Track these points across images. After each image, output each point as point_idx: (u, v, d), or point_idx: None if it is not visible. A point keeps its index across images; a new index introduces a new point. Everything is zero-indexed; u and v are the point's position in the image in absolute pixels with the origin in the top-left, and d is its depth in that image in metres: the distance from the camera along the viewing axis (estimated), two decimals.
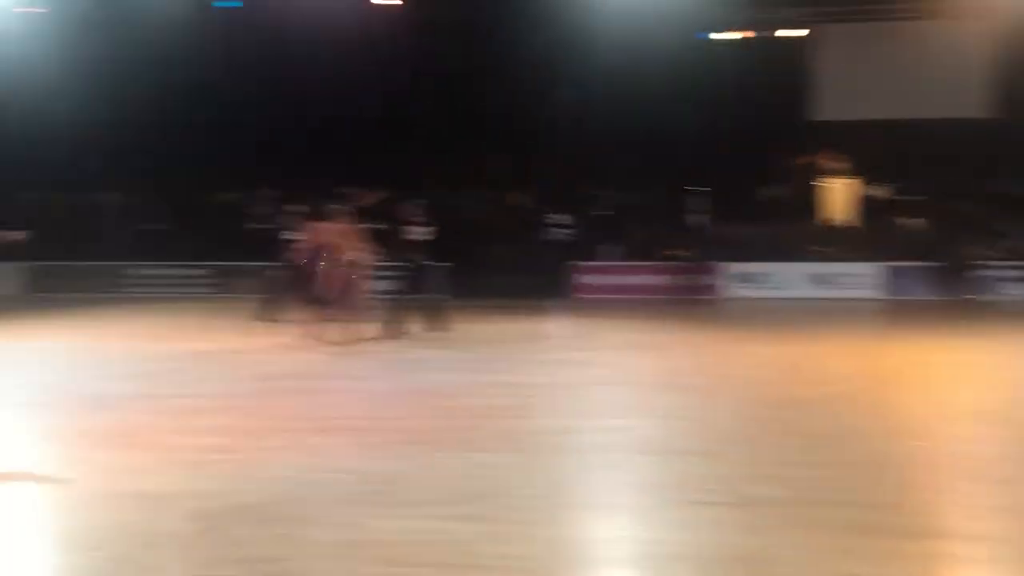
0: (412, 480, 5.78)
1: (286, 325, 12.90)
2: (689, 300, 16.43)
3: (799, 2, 19.83)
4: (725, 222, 18.46)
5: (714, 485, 5.67)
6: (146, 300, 17.32)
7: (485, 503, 5.33)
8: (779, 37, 20.60)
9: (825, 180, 19.75)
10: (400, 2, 19.54)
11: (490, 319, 14.22)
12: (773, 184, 20.68)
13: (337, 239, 11.40)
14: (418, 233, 12.05)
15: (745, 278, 17.28)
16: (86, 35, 18.40)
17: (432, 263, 12.32)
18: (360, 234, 12.11)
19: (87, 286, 18.24)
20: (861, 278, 17.06)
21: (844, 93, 19.71)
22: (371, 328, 12.29)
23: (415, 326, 12.23)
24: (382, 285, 12.94)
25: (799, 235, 18.65)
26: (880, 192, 19.89)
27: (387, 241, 12.46)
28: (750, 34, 20.77)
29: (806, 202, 20.17)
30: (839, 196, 19.52)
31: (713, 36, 20.86)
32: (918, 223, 18.43)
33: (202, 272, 18.41)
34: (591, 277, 17.69)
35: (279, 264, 13.41)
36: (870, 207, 19.42)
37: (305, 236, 13.27)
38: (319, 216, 11.62)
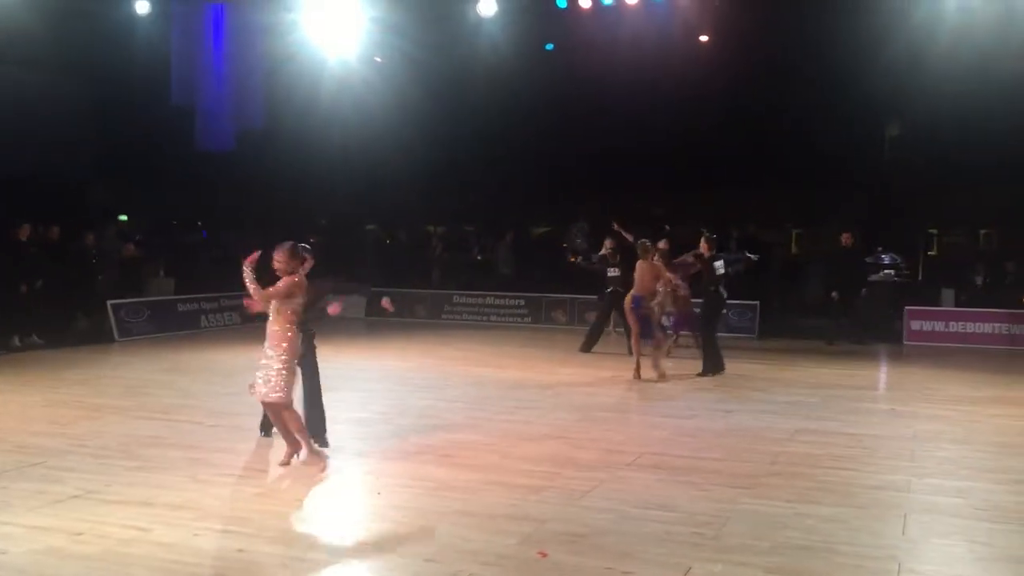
0: (734, 525, 5.65)
1: (607, 357, 13.18)
2: None
3: None
4: None
5: None
6: (469, 327, 18.41)
7: (817, 559, 5.09)
8: None
9: None
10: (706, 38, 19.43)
11: (807, 362, 13.61)
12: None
13: (647, 274, 11.44)
14: (718, 268, 11.85)
15: None
16: (418, 81, 20.02)
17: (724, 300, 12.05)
18: (669, 269, 12.12)
19: (416, 311, 19.73)
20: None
21: None
22: (687, 364, 12.23)
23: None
24: (698, 322, 12.85)
25: None
26: None
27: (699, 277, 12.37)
28: None
29: None
30: None
31: None
32: None
33: (519, 302, 19.25)
34: (927, 323, 16.37)
35: (599, 298, 13.83)
36: None
37: (616, 270, 13.58)
38: (632, 251, 11.73)
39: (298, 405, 7.08)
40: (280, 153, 21.00)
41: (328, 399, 7.73)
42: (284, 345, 6.63)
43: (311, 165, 21.64)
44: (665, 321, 13.49)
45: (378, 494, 6.35)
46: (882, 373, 13.25)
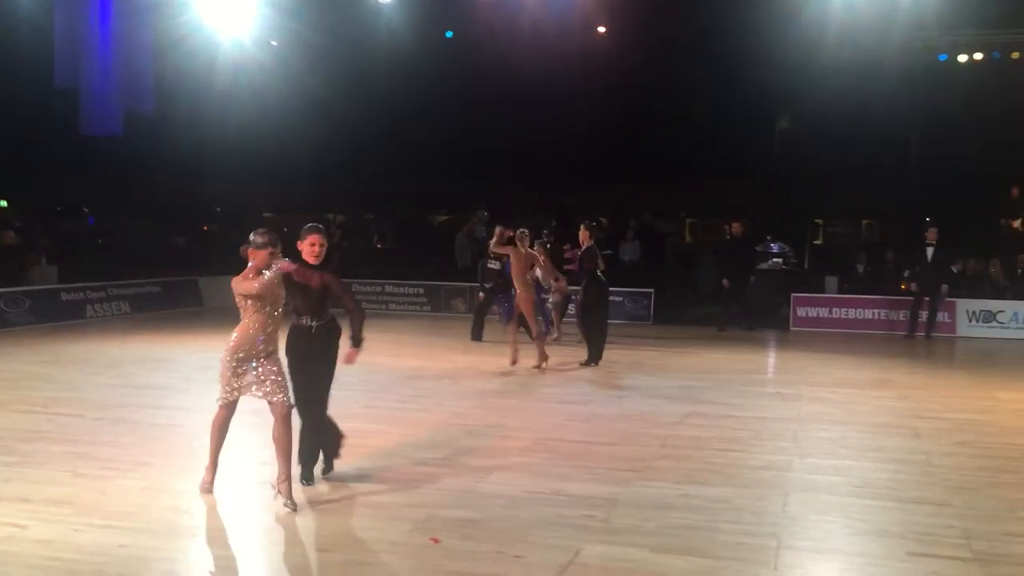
0: (623, 508, 5.78)
1: (504, 345, 13.24)
2: (920, 337, 15.44)
3: None
4: (964, 256, 17.25)
5: (947, 537, 5.31)
6: (367, 316, 18.22)
7: (701, 537, 5.24)
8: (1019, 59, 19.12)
9: None
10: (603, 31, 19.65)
11: (700, 348, 13.97)
12: (1014, 217, 19.18)
13: (525, 264, 11.37)
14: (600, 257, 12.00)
15: (983, 316, 16.03)
16: (316, 66, 19.68)
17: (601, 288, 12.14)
18: (548, 259, 12.14)
19: None
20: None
21: None
22: (576, 351, 12.40)
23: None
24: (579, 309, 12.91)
25: None
26: None
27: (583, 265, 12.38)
28: (994, 54, 19.39)
29: None
30: None
31: (952, 57, 19.62)
32: None
33: (418, 291, 19.18)
34: (812, 309, 17.00)
35: (485, 286, 13.84)
36: None
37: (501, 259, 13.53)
38: (512, 241, 11.68)
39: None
40: (172, 138, 20.37)
41: (213, 391, 7.55)
42: None
43: (205, 151, 21.07)
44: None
45: (272, 487, 6.25)
46: (770, 358, 13.70)
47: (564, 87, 20.42)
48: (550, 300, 13.95)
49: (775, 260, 18.99)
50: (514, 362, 11.41)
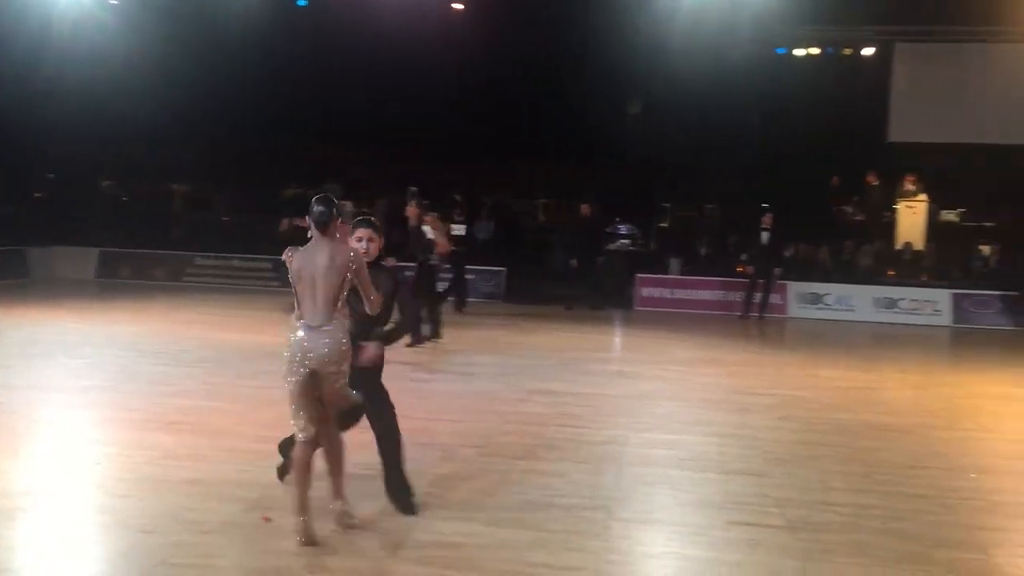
0: (464, 483, 5.85)
1: None
2: (754, 318, 16.26)
3: (877, 20, 19.46)
4: (795, 241, 18.21)
5: (765, 507, 5.63)
6: (210, 290, 17.68)
7: (536, 512, 5.37)
8: (857, 55, 20.25)
9: (899, 202, 19.34)
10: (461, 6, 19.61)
11: (548, 327, 14.23)
12: (846, 204, 20.34)
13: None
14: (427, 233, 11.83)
15: (811, 298, 17.02)
16: (158, 27, 18.82)
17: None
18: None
19: (154, 274, 18.71)
20: (929, 304, 16.68)
21: (921, 114, 19.29)
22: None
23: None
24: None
25: (869, 257, 18.29)
26: (952, 217, 19.42)
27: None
28: (828, 50, 20.45)
29: (878, 224, 19.80)
30: (911, 219, 19.11)
31: (791, 51, 20.57)
32: (990, 250, 17.94)
33: (267, 265, 18.70)
34: (655, 289, 17.60)
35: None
36: (942, 232, 18.97)
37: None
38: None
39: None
40: (2, 100, 19.04)
41: (45, 365, 7.19)
42: None
43: (38, 114, 19.79)
44: None
45: (98, 464, 6.01)
46: (614, 337, 14.11)
47: (420, 63, 20.27)
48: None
49: (623, 241, 19.56)
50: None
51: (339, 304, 4.75)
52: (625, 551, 4.85)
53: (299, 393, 4.72)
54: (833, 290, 17.04)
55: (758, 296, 16.52)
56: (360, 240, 5.16)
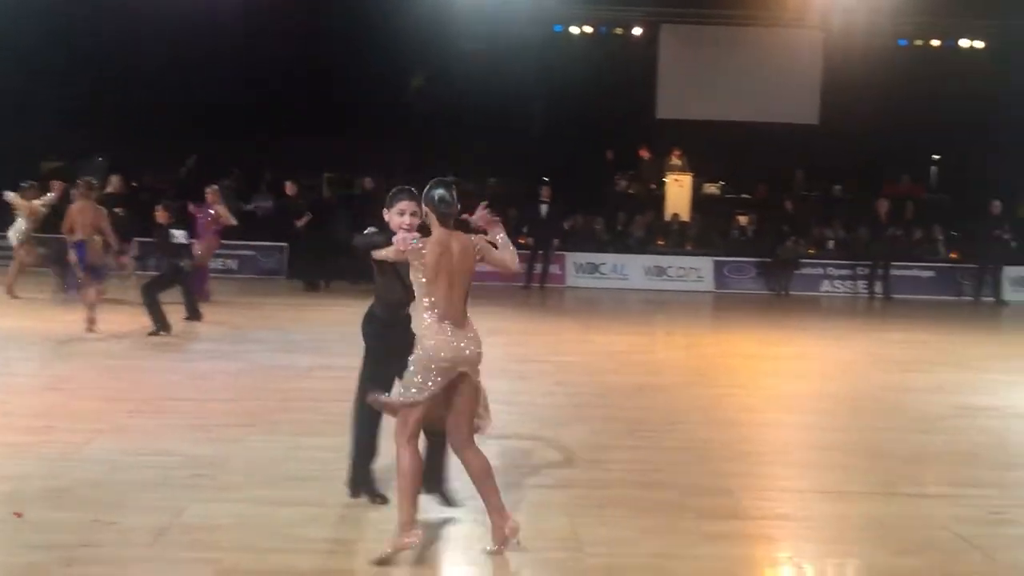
0: (234, 464, 5.71)
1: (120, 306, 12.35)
2: (534, 288, 16.80)
3: (645, 1, 20.42)
4: (571, 213, 18.89)
5: (538, 469, 5.85)
6: None
7: (310, 487, 5.32)
8: (627, 34, 21.17)
9: (666, 176, 20.48)
10: None
11: (333, 302, 14.06)
12: (618, 177, 21.29)
13: (88, 216, 10.59)
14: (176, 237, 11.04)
15: (588, 268, 17.77)
16: None
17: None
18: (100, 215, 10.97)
19: None
20: (694, 271, 17.83)
21: (686, 92, 20.47)
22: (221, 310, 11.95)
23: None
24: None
25: (641, 228, 19.28)
26: (714, 190, 20.81)
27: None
28: (602, 29, 21.24)
29: (649, 196, 20.89)
30: (678, 192, 20.31)
31: (567, 29, 21.21)
32: (748, 221, 19.38)
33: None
34: None
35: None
36: (705, 203, 20.31)
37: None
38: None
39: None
40: None
41: None
42: None
43: None
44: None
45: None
46: None
47: (205, 34, 19.28)
48: None
49: None
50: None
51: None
52: (394, 520, 4.89)
53: (432, 398, 4.39)
54: (608, 260, 17.86)
55: (538, 267, 17.05)
56: (403, 214, 4.72)
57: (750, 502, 5.39)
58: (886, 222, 17.85)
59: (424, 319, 4.42)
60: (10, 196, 13.21)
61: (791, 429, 7.31)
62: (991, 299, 17.36)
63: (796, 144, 20.28)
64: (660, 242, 18.82)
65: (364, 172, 18.90)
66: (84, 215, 10.60)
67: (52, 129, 21.12)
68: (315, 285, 15.65)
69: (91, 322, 10.18)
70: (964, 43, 20.65)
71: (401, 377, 4.58)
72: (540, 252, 17.01)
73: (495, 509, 4.40)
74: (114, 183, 14.28)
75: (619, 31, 21.17)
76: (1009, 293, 17.71)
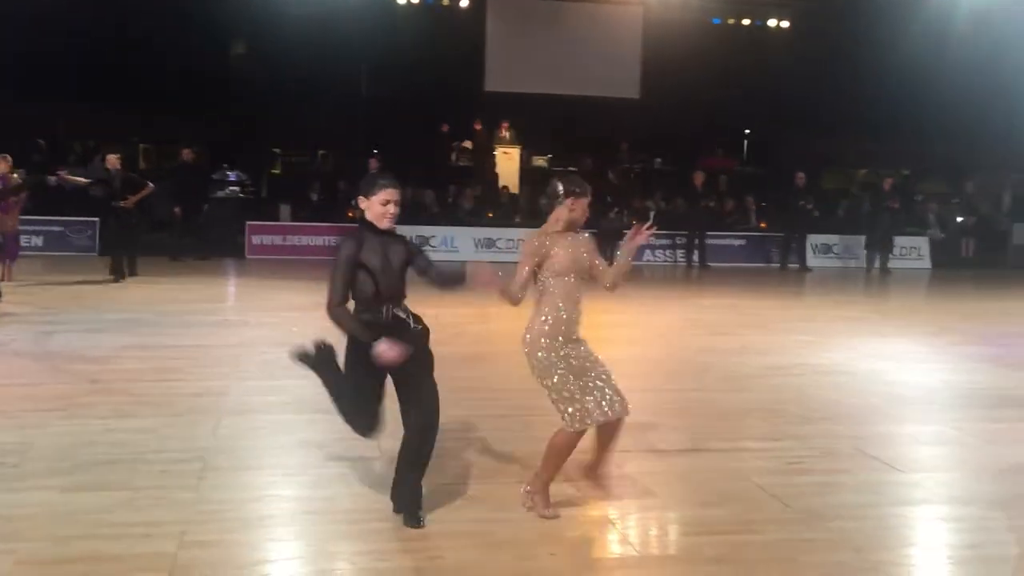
0: (38, 450, 5.39)
1: None
2: None
3: None
4: (404, 186, 18.74)
5: (363, 442, 5.82)
6: None
7: (121, 470, 5.10)
8: (455, 5, 21.13)
9: (495, 149, 20.68)
10: None
11: (149, 279, 13.45)
12: (449, 150, 21.31)
13: None
14: None
15: (419, 241, 17.71)
16: None
17: None
18: None
19: None
20: (523, 243, 18.13)
21: (513, 66, 20.68)
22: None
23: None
24: None
25: (470, 200, 19.41)
26: (542, 162, 21.19)
27: None
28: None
29: (479, 169, 21.02)
30: (507, 164, 20.55)
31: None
32: None
33: None
34: (266, 237, 17.28)
35: None
36: (533, 176, 20.64)
37: None
38: None
39: None
40: None
41: None
42: None
43: None
44: None
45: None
46: (221, 287, 13.70)
47: None
48: None
49: (232, 188, 18.91)
50: None
51: None
52: (218, 500, 4.77)
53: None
54: (439, 232, 17.90)
55: None
56: (387, 204, 4.39)
57: (570, 464, 5.55)
58: (701, 193, 18.71)
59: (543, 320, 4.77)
60: None
61: None
62: (796, 265, 18.57)
63: (619, 117, 20.92)
64: (489, 215, 19.01)
65: (182, 143, 18.07)
66: None
67: None
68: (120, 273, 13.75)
69: None
70: (772, 23, 21.81)
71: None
72: None
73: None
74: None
75: (446, 2, 21.11)
76: (813, 260, 19.00)
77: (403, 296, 4.57)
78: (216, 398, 6.78)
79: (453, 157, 21.17)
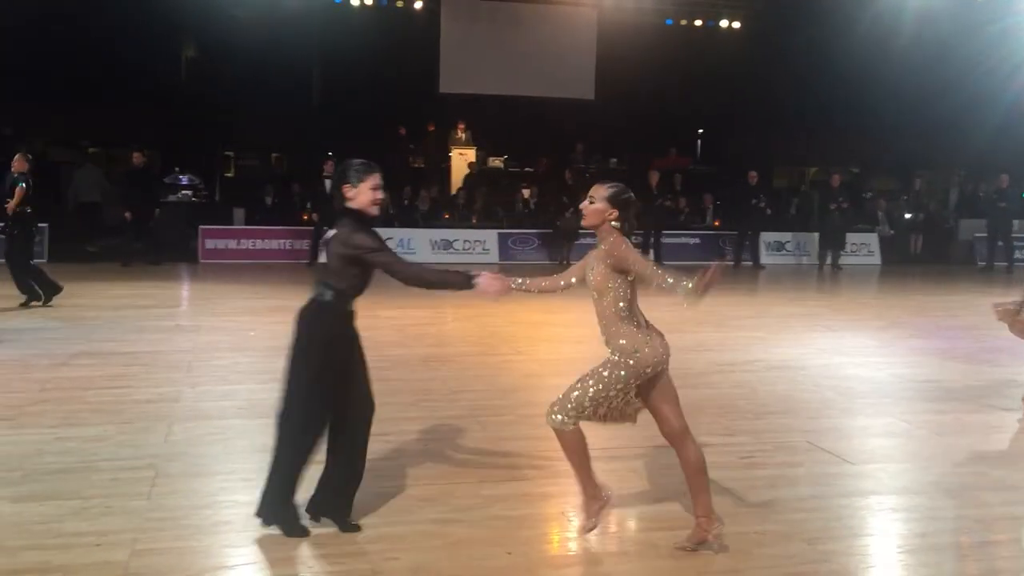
0: None
1: None
2: (316, 264, 16.52)
3: None
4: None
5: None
6: None
7: (72, 479, 5.02)
8: (409, 7, 21.05)
9: (452, 150, 20.66)
10: None
11: (99, 286, 13.23)
12: (404, 152, 21.24)
13: None
14: None
15: None
16: None
17: None
18: None
19: None
20: (479, 243, 18.15)
21: (468, 67, 20.67)
22: None
23: None
24: None
25: (426, 202, 19.36)
26: (498, 164, 21.21)
27: None
28: (382, 1, 20.98)
29: (435, 170, 20.98)
30: (463, 166, 20.54)
31: (347, 1, 20.79)
32: (530, 193, 19.91)
33: None
34: (220, 241, 17.09)
35: None
36: (489, 177, 20.66)
37: None
38: None
39: None
40: None
41: None
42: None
43: None
44: None
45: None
46: (174, 291, 13.51)
47: None
48: None
49: (184, 192, 18.68)
50: None
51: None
52: (171, 507, 4.71)
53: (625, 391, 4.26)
54: (395, 234, 17.81)
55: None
56: (376, 189, 4.33)
57: (527, 464, 5.58)
58: (656, 192, 18.84)
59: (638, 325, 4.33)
60: None
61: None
62: (750, 263, 18.78)
63: (575, 118, 21.01)
64: (446, 216, 18.99)
65: (133, 147, 17.80)
66: None
67: None
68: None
69: None
70: (724, 23, 22.04)
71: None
72: (326, 228, 16.68)
73: (703, 510, 4.28)
74: None
75: (400, 3, 21.03)
76: (765, 257, 19.24)
77: None
78: (168, 404, 6.69)
79: (410, 159, 21.09)
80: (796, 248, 19.96)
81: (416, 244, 17.85)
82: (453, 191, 19.66)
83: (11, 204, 10.58)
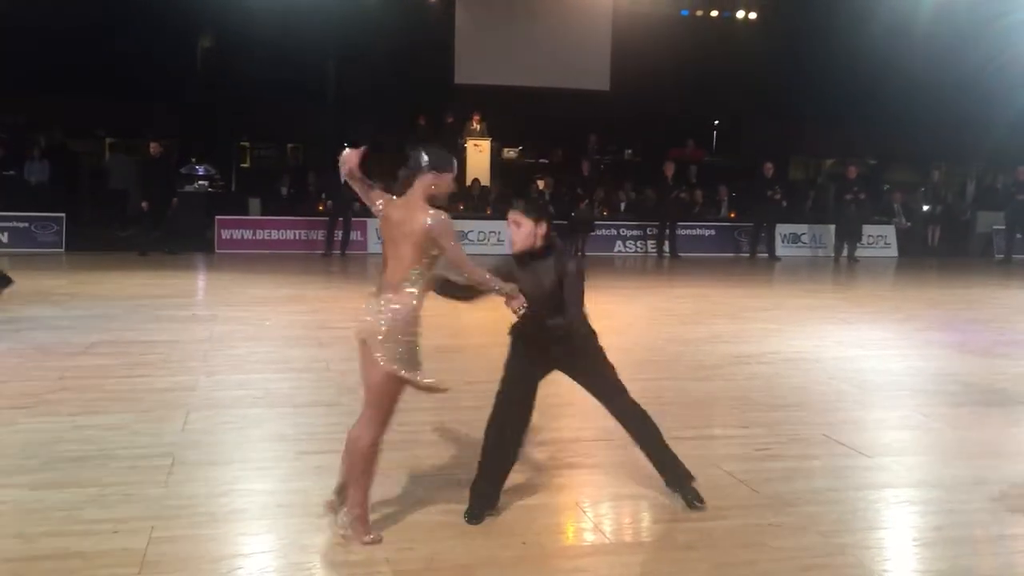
0: (5, 448, 5.35)
1: None
2: (336, 255, 16.58)
3: None
4: (376, 179, 18.61)
5: (333, 435, 5.80)
6: None
7: (90, 467, 5.06)
8: None
9: (466, 141, 20.63)
10: None
11: (118, 275, 13.31)
12: (418, 142, 21.20)
13: None
14: None
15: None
16: None
17: None
18: None
19: None
20: (494, 235, 18.12)
21: (483, 58, 20.63)
22: None
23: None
24: None
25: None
26: (513, 155, 21.17)
27: None
28: None
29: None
30: (478, 157, 20.52)
31: None
32: (545, 184, 19.87)
33: None
34: (236, 231, 17.16)
35: None
36: (504, 168, 20.63)
37: None
38: None
39: None
40: None
41: None
42: None
43: None
44: None
45: None
46: (191, 281, 13.58)
47: None
48: None
49: (201, 183, 18.75)
50: None
51: None
52: (188, 494, 4.75)
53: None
54: None
55: (339, 233, 16.81)
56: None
57: (541, 454, 5.60)
58: (672, 184, 18.79)
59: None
60: None
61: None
62: (765, 255, 18.71)
63: (589, 109, 20.94)
64: (461, 207, 18.96)
65: (149, 137, 17.86)
66: None
67: None
68: None
69: None
70: (740, 14, 21.92)
71: None
72: (340, 219, 16.76)
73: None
74: None
75: None
76: (781, 249, 19.16)
77: None
78: (185, 393, 6.74)
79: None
80: (812, 240, 19.87)
81: None
82: (467, 182, 19.63)
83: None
